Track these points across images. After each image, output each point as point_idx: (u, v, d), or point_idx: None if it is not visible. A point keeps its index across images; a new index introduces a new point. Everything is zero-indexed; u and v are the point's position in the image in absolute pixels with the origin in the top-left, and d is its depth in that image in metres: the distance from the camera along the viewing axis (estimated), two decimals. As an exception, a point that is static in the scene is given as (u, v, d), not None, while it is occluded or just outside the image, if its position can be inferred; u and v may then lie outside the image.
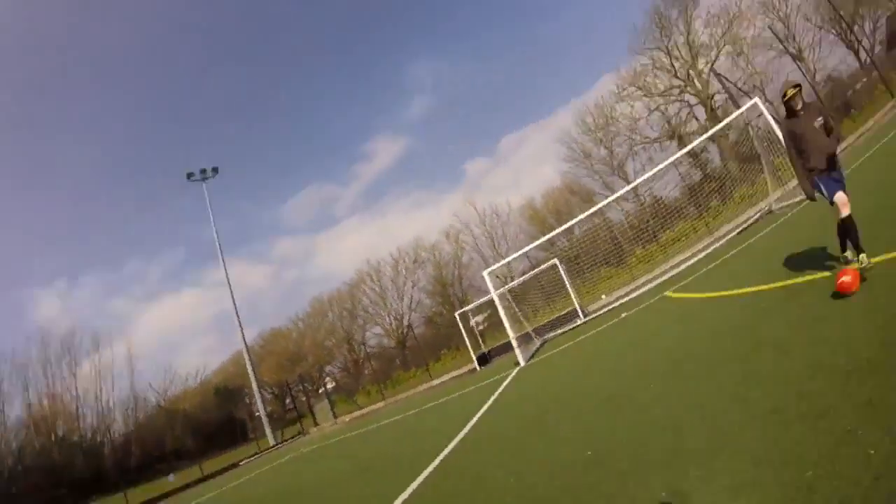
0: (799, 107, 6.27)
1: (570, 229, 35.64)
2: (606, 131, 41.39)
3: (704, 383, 5.31)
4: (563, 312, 21.44)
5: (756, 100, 17.31)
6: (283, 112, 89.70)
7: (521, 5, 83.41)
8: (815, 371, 4.09)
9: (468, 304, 29.44)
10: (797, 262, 8.18)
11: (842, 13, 35.10)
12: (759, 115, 17.71)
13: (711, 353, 6.28)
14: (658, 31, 40.66)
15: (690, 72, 40.35)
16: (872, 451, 2.72)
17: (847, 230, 5.99)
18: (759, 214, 19.06)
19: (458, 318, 25.23)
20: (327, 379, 45.73)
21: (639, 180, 32.72)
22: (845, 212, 5.90)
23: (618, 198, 35.38)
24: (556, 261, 22.03)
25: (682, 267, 17.64)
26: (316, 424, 27.14)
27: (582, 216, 27.66)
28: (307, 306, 51.36)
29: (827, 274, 6.59)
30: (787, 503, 2.74)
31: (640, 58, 41.55)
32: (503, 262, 20.42)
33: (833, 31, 37.87)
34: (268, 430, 29.18)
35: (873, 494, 2.43)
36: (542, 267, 23.83)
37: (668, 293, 13.71)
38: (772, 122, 16.79)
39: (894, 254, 5.74)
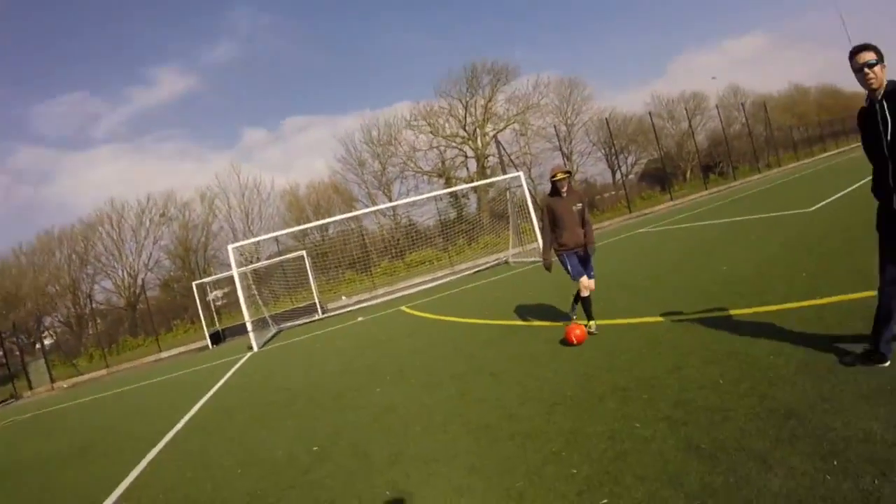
0: (564, 189, 6.77)
1: (325, 226, 36.34)
2: (386, 149, 43.02)
3: (428, 395, 5.96)
4: (302, 305, 21.35)
5: (521, 174, 19.91)
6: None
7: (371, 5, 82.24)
8: (525, 399, 4.95)
9: (209, 276, 27.84)
10: (521, 308, 9.66)
11: (615, 142, 43.47)
12: (519, 187, 20.09)
13: (436, 369, 7.09)
14: (466, 85, 44.56)
15: (478, 130, 44.57)
16: (575, 471, 3.39)
17: (584, 303, 6.90)
18: (496, 261, 21.46)
19: (195, 288, 23.70)
20: (46, 333, 37.71)
21: (401, 201, 34.97)
22: (584, 293, 6.79)
23: (378, 211, 37.29)
24: (304, 252, 21.87)
25: (421, 288, 19.04)
26: (31, 388, 23.12)
27: (341, 217, 28.60)
28: (33, 239, 43.00)
29: (545, 323, 7.97)
30: None
31: (440, 100, 44.63)
32: (253, 240, 19.81)
33: (602, 150, 47.24)
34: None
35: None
36: (290, 255, 23.52)
37: (403, 308, 14.73)
38: (527, 195, 19.19)
39: (609, 321, 7.04)
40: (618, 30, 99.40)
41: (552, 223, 6.94)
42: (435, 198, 32.33)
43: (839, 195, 13.53)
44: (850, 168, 22.93)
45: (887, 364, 3.69)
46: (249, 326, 15.18)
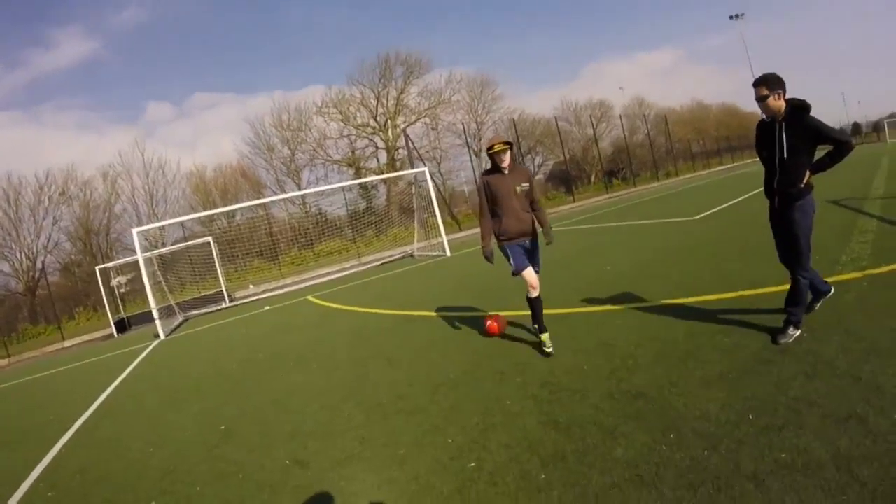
0: (504, 164, 5.61)
1: (232, 213, 35.60)
2: (296, 135, 42.26)
3: (327, 378, 6.56)
4: (209, 293, 21.02)
5: (426, 169, 20.53)
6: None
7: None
8: (414, 381, 5.69)
9: (113, 261, 26.63)
10: (421, 300, 10.50)
11: (521, 142, 44.64)
12: (425, 181, 20.70)
13: (336, 356, 7.70)
14: (379, 75, 44.58)
15: (389, 121, 44.73)
16: (450, 440, 4.09)
17: (532, 308, 5.85)
18: (401, 254, 22.10)
19: (98, 273, 22.72)
20: None
21: (310, 190, 34.74)
22: (532, 293, 5.71)
23: (287, 199, 36.92)
24: (210, 239, 21.46)
25: (328, 278, 19.41)
26: None
27: (250, 203, 28.15)
28: None
29: (442, 313, 8.75)
30: (382, 471, 3.87)
31: (353, 88, 44.44)
32: (159, 224, 19.17)
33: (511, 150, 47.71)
34: None
35: (452, 466, 3.70)
36: (196, 241, 23.01)
37: (310, 297, 15.13)
38: (432, 190, 19.85)
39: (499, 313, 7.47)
40: (535, 32, 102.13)
41: (492, 205, 5.84)
42: (344, 188, 32.43)
43: (723, 206, 15.28)
44: (739, 182, 25.41)
45: (800, 332, 4.63)
46: (156, 314, 14.96)
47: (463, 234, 28.83)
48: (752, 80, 4.54)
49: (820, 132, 4.41)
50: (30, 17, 63.95)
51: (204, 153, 68.22)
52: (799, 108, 4.44)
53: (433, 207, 19.68)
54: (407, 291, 12.60)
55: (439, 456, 3.91)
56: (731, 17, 74.90)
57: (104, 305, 22.64)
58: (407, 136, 35.71)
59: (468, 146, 42.91)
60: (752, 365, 4.29)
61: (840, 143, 4.40)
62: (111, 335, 20.02)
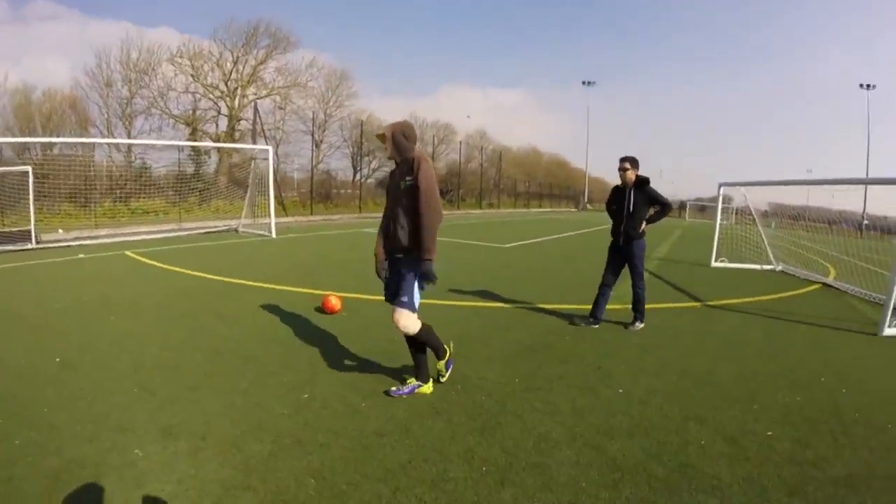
0: (389, 152, 4.69)
1: (51, 144, 32.58)
2: (140, 77, 39.32)
3: (162, 325, 7.31)
4: (13, 229, 19.44)
5: (270, 148, 21.24)
6: None
7: None
8: (247, 335, 6.92)
9: None
10: (249, 271, 11.65)
11: (364, 145, 47.27)
12: (265, 160, 21.36)
13: (167, 307, 8.44)
14: (245, 40, 43.34)
15: (240, 90, 43.49)
16: (285, 380, 5.29)
17: (413, 351, 5.15)
18: (225, 227, 22.48)
19: None
20: None
21: (143, 141, 33.04)
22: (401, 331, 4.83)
23: (113, 145, 34.73)
24: (30, 169, 19.79)
25: (146, 237, 19.12)
26: None
27: (75, 140, 26.02)
28: None
29: (261, 284, 9.84)
30: (227, 397, 4.78)
31: (212, 43, 42.80)
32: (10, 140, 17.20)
33: (350, 149, 50.41)
34: None
35: (289, 397, 4.85)
36: (13, 168, 21.20)
37: (129, 252, 15.16)
38: (271, 171, 20.57)
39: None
40: (401, 38, 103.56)
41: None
42: (179, 147, 31.46)
43: (529, 241, 19.27)
44: (548, 225, 29.86)
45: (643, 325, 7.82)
46: None
47: (289, 219, 29.65)
48: (587, 141, 9.89)
49: (655, 198, 7.35)
50: None
51: (31, 69, 60.21)
52: (643, 182, 7.31)
53: (268, 187, 20.44)
54: (234, 262, 13.58)
55: (276, 390, 5.00)
56: (584, 83, 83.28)
57: None
58: (256, 110, 35.46)
59: (312, 136, 43.39)
60: (522, 352, 6.59)
61: (664, 206, 7.45)
62: None
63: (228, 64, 43.35)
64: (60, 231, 20.40)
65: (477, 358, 6.19)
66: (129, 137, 36.45)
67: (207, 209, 29.88)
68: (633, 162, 7.35)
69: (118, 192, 31.34)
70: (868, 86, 67.49)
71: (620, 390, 5.37)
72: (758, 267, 15.64)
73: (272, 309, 8.39)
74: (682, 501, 3.39)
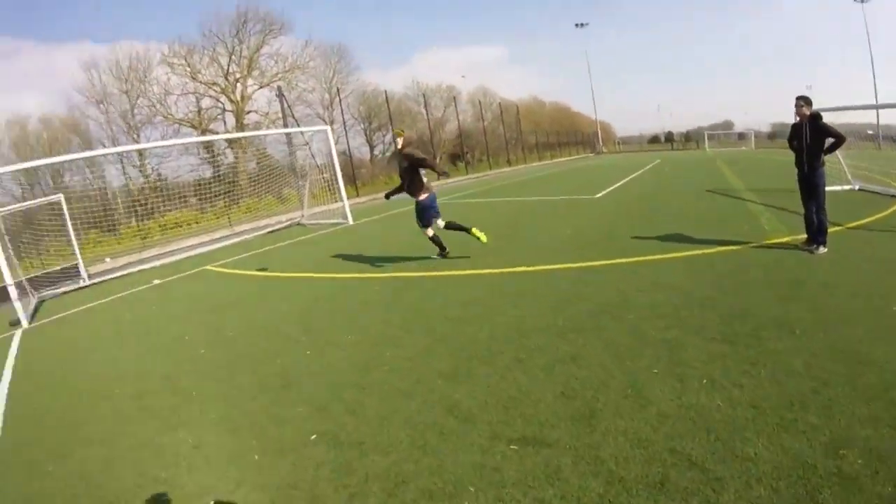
0: (399, 146, 8.62)
1: (60, 173, 30.04)
2: (136, 86, 36.32)
3: (363, 349, 4.95)
4: (61, 267, 16.66)
5: (328, 128, 18.22)
6: None
7: None
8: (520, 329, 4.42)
9: None
10: (361, 262, 8.87)
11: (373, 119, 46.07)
12: (325, 141, 18.74)
13: (357, 320, 5.96)
14: (234, 31, 40.17)
15: (240, 82, 40.48)
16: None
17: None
18: (288, 223, 19.69)
19: None
20: None
21: (154, 144, 29.88)
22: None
23: (124, 160, 32.01)
24: (61, 196, 16.85)
25: (205, 249, 16.47)
26: None
27: (85, 154, 23.08)
28: None
29: (394, 274, 7.23)
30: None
31: (204, 41, 39.75)
32: (19, 166, 14.27)
33: (361, 124, 48.41)
34: None
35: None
36: (45, 199, 17.80)
37: (209, 267, 12.74)
38: (334, 154, 17.78)
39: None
40: (369, 13, 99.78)
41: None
42: (188, 147, 28.94)
43: (613, 188, 16.19)
44: (600, 172, 26.64)
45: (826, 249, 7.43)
46: (14, 292, 10.85)
47: (336, 204, 26.92)
48: (590, 84, 7.70)
49: (827, 131, 7.40)
50: None
51: (11, 100, 56.06)
52: (816, 117, 7.46)
53: (335, 170, 17.60)
54: (347, 254, 11.18)
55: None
56: (576, 25, 79.48)
57: None
58: (282, 95, 32.15)
59: (321, 117, 40.54)
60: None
61: (838, 138, 7.42)
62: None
63: (223, 58, 40.16)
64: (108, 260, 17.69)
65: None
66: (138, 150, 33.39)
67: (238, 211, 27.08)
68: (807, 101, 7.55)
69: (139, 209, 28.96)
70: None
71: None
72: (837, 188, 13.42)
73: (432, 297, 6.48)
74: None
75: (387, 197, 9.75)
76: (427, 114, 46.30)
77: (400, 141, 8.64)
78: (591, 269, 7.11)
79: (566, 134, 76.95)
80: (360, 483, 3.08)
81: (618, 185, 18.30)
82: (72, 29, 69.15)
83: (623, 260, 7.27)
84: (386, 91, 42.09)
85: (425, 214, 8.65)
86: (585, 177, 25.34)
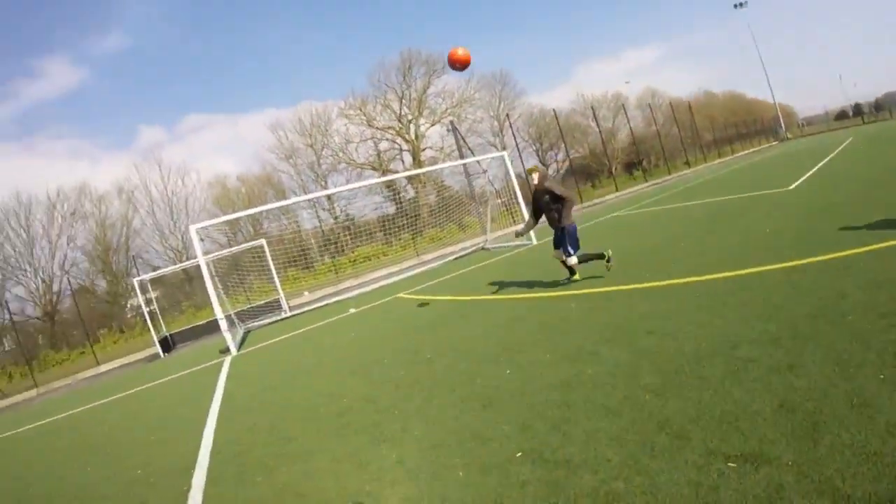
0: (536, 181, 8.42)
1: (259, 221, 33.37)
2: (318, 139, 40.13)
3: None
4: (265, 301, 18.49)
5: (505, 153, 18.11)
6: None
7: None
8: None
9: (135, 277, 23.59)
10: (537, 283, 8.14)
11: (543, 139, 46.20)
12: (500, 166, 18.53)
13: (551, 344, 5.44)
14: (401, 77, 42.89)
15: (412, 122, 42.92)
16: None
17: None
18: (473, 248, 19.76)
19: (136, 285, 19.31)
20: None
21: (340, 189, 31.99)
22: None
23: (316, 205, 34.79)
24: (263, 241, 18.75)
25: (395, 279, 16.98)
26: None
27: (280, 203, 25.21)
28: None
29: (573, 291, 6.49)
30: None
31: (375, 90, 42.83)
32: (221, 219, 16.22)
33: (534, 146, 49.11)
34: None
35: None
36: (248, 244, 20.14)
37: (402, 294, 12.94)
38: (513, 177, 17.60)
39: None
40: (526, 31, 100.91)
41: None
42: (372, 188, 30.43)
43: (806, 176, 15.08)
44: (787, 159, 23.97)
45: None
46: (224, 324, 12.29)
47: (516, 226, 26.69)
48: (762, 66, 4.83)
49: None
50: (14, 47, 61.47)
51: (202, 174, 64.69)
52: None
53: (514, 193, 17.39)
54: (525, 275, 10.61)
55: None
56: (735, 6, 74.03)
57: (131, 327, 20.01)
58: (455, 129, 33.27)
59: (494, 146, 41.14)
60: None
61: None
62: (156, 355, 17.48)
63: (394, 103, 42.98)
64: (306, 293, 18.89)
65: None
66: (326, 195, 36.15)
67: (422, 241, 27.91)
68: None
69: (332, 247, 31.21)
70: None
71: None
72: None
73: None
74: None
75: (517, 235, 9.68)
76: (598, 125, 44.84)
77: (536, 176, 8.44)
78: (797, 268, 5.94)
79: (744, 125, 69.81)
80: (567, 502, 2.88)
81: (811, 172, 15.96)
82: (257, 99, 78.52)
83: (831, 256, 6.02)
84: (554, 109, 41.47)
85: (573, 239, 8.16)
86: (773, 167, 22.70)
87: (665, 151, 48.88)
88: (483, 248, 18.84)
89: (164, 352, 17.50)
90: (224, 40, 75.92)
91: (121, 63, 70.15)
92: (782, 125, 70.75)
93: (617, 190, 35.23)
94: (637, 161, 49.07)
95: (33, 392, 19.51)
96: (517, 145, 41.36)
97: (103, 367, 20.02)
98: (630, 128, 48.10)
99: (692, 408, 3.50)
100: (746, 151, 55.95)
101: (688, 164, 47.97)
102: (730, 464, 2.82)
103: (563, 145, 46.08)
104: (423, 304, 10.70)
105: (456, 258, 18.32)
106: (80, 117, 66.11)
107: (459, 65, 6.75)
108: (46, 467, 7.10)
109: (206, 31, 76.59)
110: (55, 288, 33.36)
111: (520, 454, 3.53)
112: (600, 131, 44.53)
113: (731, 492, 2.60)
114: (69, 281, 32.34)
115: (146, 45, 74.05)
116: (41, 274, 33.67)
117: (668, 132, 52.40)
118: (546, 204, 8.27)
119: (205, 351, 14.06)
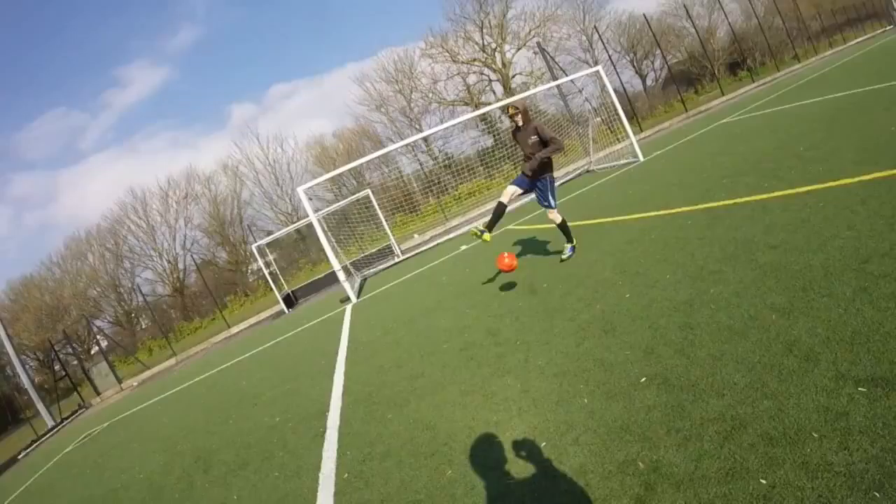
0: (520, 123, 7.10)
1: (360, 173, 34.18)
2: (405, 84, 39.92)
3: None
4: (377, 248, 19.20)
5: (600, 68, 17.11)
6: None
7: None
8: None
9: (252, 244, 25.23)
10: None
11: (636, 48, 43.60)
12: (596, 82, 17.94)
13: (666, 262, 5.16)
14: (478, 6, 41.24)
15: (497, 53, 41.40)
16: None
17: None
18: (576, 172, 19.26)
19: (255, 251, 21.15)
20: (98, 337, 32.67)
21: (434, 129, 31.90)
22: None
23: (414, 149, 35.04)
24: (369, 191, 19.33)
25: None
26: (98, 393, 20.79)
27: (379, 153, 25.51)
28: (62, 247, 39.74)
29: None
30: None
31: (454, 25, 41.73)
32: (325, 176, 16.58)
33: (627, 56, 46.45)
34: (41, 407, 19.73)
35: None
36: (354, 197, 20.79)
37: (512, 226, 12.86)
38: (611, 91, 16.75)
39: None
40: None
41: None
42: (467, 125, 30.06)
43: None
44: None
45: None
46: (341, 275, 12.95)
47: (646, 133, 25.84)
48: None
49: None
50: (99, 65, 67.35)
51: (299, 138, 66.64)
52: None
53: (615, 109, 16.55)
54: (636, 195, 10.14)
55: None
56: None
57: (254, 290, 21.47)
58: (543, 49, 31.96)
59: (587, 63, 39.34)
60: None
61: None
62: (281, 312, 18.72)
63: (475, 34, 41.54)
64: (416, 236, 19.24)
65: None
66: (422, 138, 36.27)
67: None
68: None
69: (434, 188, 31.45)
70: None
71: None
72: None
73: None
74: None
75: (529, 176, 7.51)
76: (693, 24, 41.58)
77: (520, 117, 7.01)
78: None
79: (853, 9, 62.26)
80: (694, 426, 2.84)
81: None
82: (336, 56, 79.34)
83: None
84: (644, 14, 38.82)
85: (554, 193, 7.26)
86: (892, 55, 20.21)
87: (770, 46, 44.60)
88: (588, 171, 18.25)
89: (287, 308, 18.76)
90: (288, 6, 76.71)
91: (197, 53, 75.31)
92: (895, 6, 62.53)
93: (723, 94, 32.63)
94: (741, 60, 45.01)
95: (172, 360, 21.41)
96: (610, 58, 39.11)
97: (234, 329, 21.65)
98: (728, 23, 43.99)
99: (821, 328, 3.25)
100: (859, 39, 49.93)
101: (797, 57, 43.34)
102: (860, 388, 2.64)
103: (658, 52, 43.25)
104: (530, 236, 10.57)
105: (562, 183, 17.90)
106: (172, 111, 72.13)
107: (506, 270, 6.76)
108: (192, 424, 7.84)
109: (269, 3, 77.65)
110: (180, 266, 37.37)
111: (644, 379, 3.49)
112: (697, 31, 41.10)
113: (861, 418, 2.45)
114: (192, 257, 35.98)
115: (215, 31, 78.16)
116: (166, 256, 38.06)
117: (770, 24, 47.49)
118: (534, 145, 6.92)
119: (326, 302, 14.83)
